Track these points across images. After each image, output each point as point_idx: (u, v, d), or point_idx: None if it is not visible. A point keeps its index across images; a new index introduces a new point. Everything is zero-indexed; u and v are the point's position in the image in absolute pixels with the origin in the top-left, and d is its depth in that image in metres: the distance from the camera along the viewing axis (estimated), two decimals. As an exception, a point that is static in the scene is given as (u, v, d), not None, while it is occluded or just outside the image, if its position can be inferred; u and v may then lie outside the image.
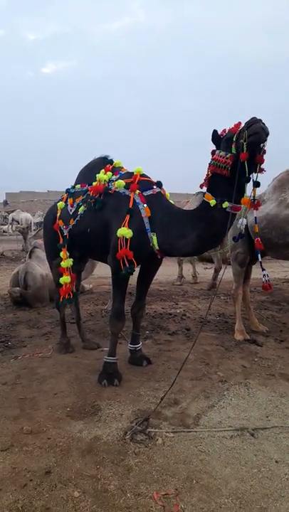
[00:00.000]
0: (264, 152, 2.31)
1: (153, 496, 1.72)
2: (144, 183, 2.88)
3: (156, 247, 2.74)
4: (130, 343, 3.31)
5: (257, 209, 2.58)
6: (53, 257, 3.51)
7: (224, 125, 2.48)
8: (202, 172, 2.62)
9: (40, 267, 5.40)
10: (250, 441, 2.16)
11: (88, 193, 3.07)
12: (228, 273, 7.90)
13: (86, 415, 2.43)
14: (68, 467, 1.93)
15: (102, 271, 6.94)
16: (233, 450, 2.08)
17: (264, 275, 2.63)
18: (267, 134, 2.24)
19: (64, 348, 3.52)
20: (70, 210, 3.17)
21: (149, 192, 2.82)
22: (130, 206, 2.75)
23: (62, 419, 2.38)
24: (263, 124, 2.24)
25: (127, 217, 2.72)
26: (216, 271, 6.86)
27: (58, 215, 3.28)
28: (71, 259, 3.22)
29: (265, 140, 2.25)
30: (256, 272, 4.71)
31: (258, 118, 2.25)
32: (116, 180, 2.94)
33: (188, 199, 7.76)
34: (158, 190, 2.87)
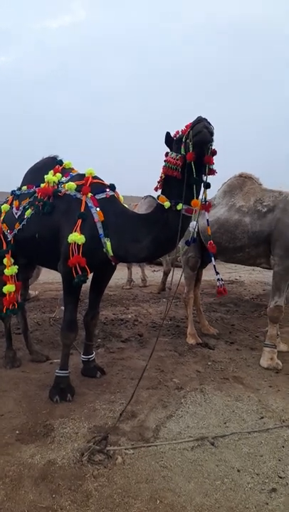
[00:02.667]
0: (213, 153, 2.29)
1: (116, 524, 1.61)
2: (97, 185, 2.75)
3: (111, 253, 2.62)
4: (83, 354, 3.16)
5: (208, 211, 2.56)
6: (-3, 264, 3.25)
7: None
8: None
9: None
10: (210, 450, 2.13)
11: (36, 195, 2.87)
12: (176, 275, 8.01)
13: (38, 437, 2.24)
14: (20, 500, 1.75)
15: (47, 276, 6.66)
16: (195, 462, 2.02)
17: (218, 279, 2.63)
18: (211, 133, 2.22)
19: (10, 362, 3.27)
20: (16, 213, 2.95)
21: (102, 195, 2.70)
22: (82, 210, 2.61)
23: (11, 444, 2.17)
24: (208, 122, 2.22)
25: (79, 222, 2.58)
26: (166, 274, 6.87)
27: (2, 218, 3.03)
28: (16, 267, 2.98)
29: (211, 139, 2.23)
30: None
31: (202, 117, 2.24)
32: (66, 182, 2.78)
33: (137, 202, 7.71)
34: (111, 193, 2.75)
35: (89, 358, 3.14)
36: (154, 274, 9.05)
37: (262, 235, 3.48)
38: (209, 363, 3.43)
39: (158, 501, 1.75)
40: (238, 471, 1.96)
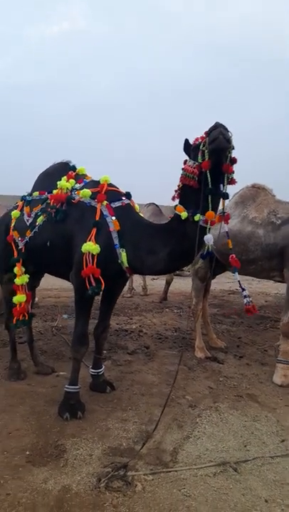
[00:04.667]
0: (233, 161, 2.16)
1: None
2: (112, 193, 2.65)
3: (126, 264, 2.51)
4: (92, 368, 3.03)
5: (227, 222, 2.45)
6: (4, 271, 3.12)
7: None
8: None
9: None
10: (234, 477, 2.01)
11: (48, 201, 2.76)
12: (177, 284, 7.91)
13: (50, 459, 2.11)
14: (36, 532, 1.62)
15: (45, 282, 6.50)
16: (219, 491, 1.91)
17: (245, 296, 2.51)
18: (228, 140, 2.07)
19: (15, 374, 3.13)
20: (27, 220, 2.83)
21: (118, 203, 2.60)
22: (97, 218, 2.51)
23: (22, 466, 2.04)
24: (225, 129, 2.08)
25: (94, 231, 2.47)
26: (168, 283, 6.77)
27: (12, 225, 2.91)
28: (27, 276, 2.86)
29: (228, 147, 2.09)
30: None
31: (219, 123, 2.11)
32: (80, 189, 2.68)
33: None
34: (127, 201, 2.65)
35: (98, 372, 3.01)
36: (153, 283, 8.94)
37: (275, 247, 3.40)
38: (221, 379, 3.32)
39: (185, 535, 1.63)
40: (266, 501, 1.85)
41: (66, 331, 4.60)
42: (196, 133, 2.26)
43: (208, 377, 3.35)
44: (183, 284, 8.56)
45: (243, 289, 2.50)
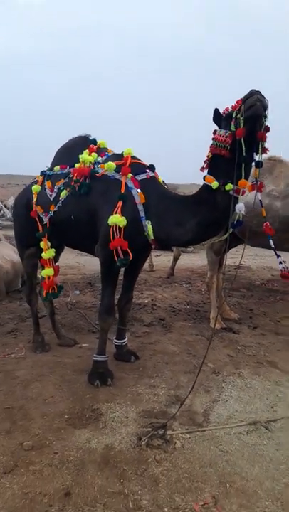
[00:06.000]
0: (267, 129, 2.15)
1: (194, 508, 1.60)
2: (136, 166, 2.65)
3: (152, 237, 2.55)
4: (116, 338, 3.11)
5: (261, 191, 2.47)
6: (26, 247, 3.17)
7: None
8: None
9: (-7, 257, 4.89)
10: (266, 435, 2.13)
11: (70, 175, 2.77)
12: (182, 261, 7.97)
13: (88, 422, 2.21)
14: (89, 485, 1.72)
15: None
16: (254, 447, 2.02)
17: (280, 262, 2.57)
18: (265, 107, 2.07)
19: (40, 347, 3.21)
20: (50, 195, 2.84)
21: (143, 176, 2.60)
22: (122, 191, 2.52)
23: (64, 428, 2.14)
24: (261, 96, 2.06)
25: (120, 204, 2.48)
26: (175, 259, 6.83)
27: (35, 200, 2.92)
28: (53, 250, 2.90)
29: (264, 114, 2.08)
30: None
31: (255, 90, 2.09)
32: (103, 162, 2.68)
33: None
34: (151, 174, 2.67)
35: (122, 343, 3.10)
36: (156, 259, 9.01)
37: (293, 219, 3.45)
38: (239, 348, 3.43)
39: (228, 486, 1.74)
40: (299, 455, 1.96)
41: (81, 305, 4.68)
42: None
43: (226, 346, 3.46)
44: (188, 260, 8.64)
45: (278, 256, 2.55)
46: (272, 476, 1.81)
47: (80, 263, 7.98)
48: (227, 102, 2.31)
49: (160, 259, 8.76)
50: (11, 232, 4.15)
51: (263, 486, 1.75)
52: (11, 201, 21.45)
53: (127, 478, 1.77)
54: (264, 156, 3.91)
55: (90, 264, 7.65)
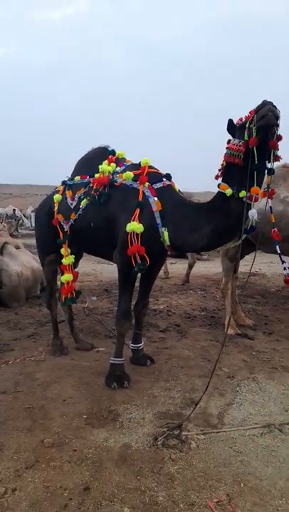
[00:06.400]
0: (279, 138, 2.24)
1: (208, 505, 1.65)
2: (153, 175, 2.75)
3: (168, 243, 2.63)
4: (132, 343, 3.19)
5: (272, 198, 2.55)
6: (47, 253, 3.29)
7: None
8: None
9: (13, 264, 5.06)
10: (280, 437, 2.16)
11: (90, 185, 2.89)
12: (197, 268, 8.00)
13: (106, 422, 2.28)
14: (107, 481, 1.79)
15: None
16: (268, 448, 2.06)
17: (285, 268, 2.63)
18: (277, 117, 2.15)
19: (58, 350, 3.31)
20: (71, 204, 2.96)
21: (159, 185, 2.70)
22: (140, 199, 2.62)
23: (82, 428, 2.21)
24: (273, 106, 2.15)
25: (137, 211, 2.58)
26: (190, 266, 6.89)
27: (56, 208, 3.05)
28: (73, 256, 3.02)
29: (276, 123, 2.17)
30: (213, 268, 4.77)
31: (267, 101, 2.18)
32: (122, 172, 2.79)
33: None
34: (168, 182, 2.76)
35: (138, 347, 3.17)
36: (171, 267, 9.07)
37: (306, 226, 3.48)
38: (253, 353, 3.46)
39: (242, 484, 1.78)
40: (312, 457, 1.99)
41: (98, 311, 4.78)
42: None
43: (241, 352, 3.49)
44: (203, 267, 8.68)
45: (283, 262, 2.60)
46: (286, 476, 1.84)
47: (96, 270, 8.12)
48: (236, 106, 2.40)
49: (175, 267, 8.83)
50: (30, 241, 4.30)
51: (276, 485, 1.79)
52: (29, 210, 21.97)
53: (143, 476, 1.83)
54: (279, 163, 4.01)
55: (106, 271, 7.78)
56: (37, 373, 2.92)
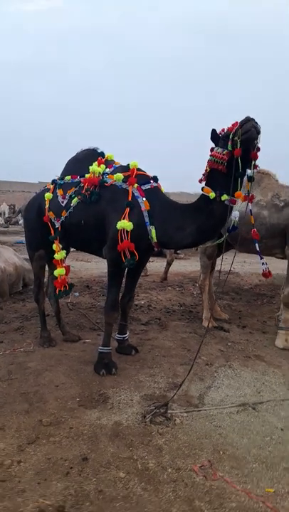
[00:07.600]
0: (258, 149, 2.53)
1: (193, 469, 1.89)
2: (142, 177, 2.97)
3: (155, 240, 2.86)
4: (118, 333, 3.40)
5: (251, 202, 2.83)
6: (35, 249, 3.45)
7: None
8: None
9: (-3, 260, 5.14)
10: (254, 414, 2.44)
11: (81, 184, 3.07)
12: (174, 266, 8.27)
13: (97, 404, 2.49)
14: (103, 452, 2.00)
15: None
16: (243, 423, 2.33)
17: (262, 263, 2.92)
18: (258, 132, 2.45)
19: (47, 342, 3.48)
20: (62, 202, 3.14)
21: (147, 186, 2.92)
22: (129, 199, 2.83)
23: (76, 409, 2.41)
24: (256, 122, 2.44)
25: (127, 210, 2.79)
26: (169, 264, 7.15)
27: (47, 206, 3.22)
28: (64, 251, 3.19)
29: (257, 138, 2.47)
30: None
31: (250, 117, 2.46)
32: (111, 173, 2.99)
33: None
34: (155, 184, 2.99)
35: (124, 338, 3.39)
36: (150, 265, 9.31)
37: (278, 227, 3.80)
38: (229, 344, 3.75)
39: (221, 452, 2.04)
40: (282, 429, 2.28)
41: (81, 306, 4.95)
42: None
43: (218, 343, 3.77)
44: (179, 266, 8.97)
45: (261, 257, 2.89)
46: (259, 445, 2.12)
47: (75, 267, 8.24)
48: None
49: (153, 265, 9.06)
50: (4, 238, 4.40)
51: (250, 452, 2.05)
52: (2, 207, 21.79)
53: (135, 447, 2.05)
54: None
55: (85, 268, 7.93)
56: (28, 363, 3.08)
